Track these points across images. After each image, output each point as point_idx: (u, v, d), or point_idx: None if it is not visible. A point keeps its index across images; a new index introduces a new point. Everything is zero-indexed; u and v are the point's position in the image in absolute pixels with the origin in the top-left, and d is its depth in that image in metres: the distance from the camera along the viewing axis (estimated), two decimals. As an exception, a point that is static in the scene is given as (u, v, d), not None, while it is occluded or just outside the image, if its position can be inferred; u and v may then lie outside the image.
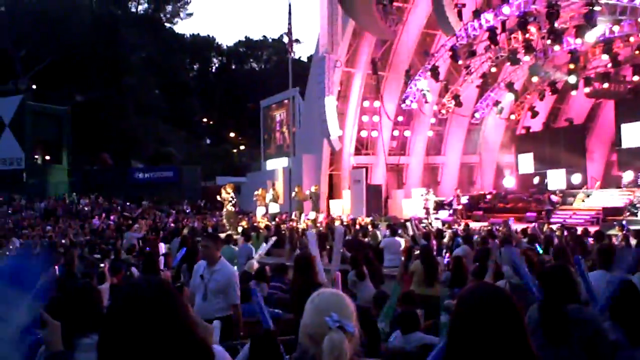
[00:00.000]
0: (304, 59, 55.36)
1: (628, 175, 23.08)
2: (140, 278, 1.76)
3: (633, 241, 11.47)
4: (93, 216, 28.62)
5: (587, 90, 24.80)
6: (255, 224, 18.83)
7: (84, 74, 42.59)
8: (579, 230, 13.83)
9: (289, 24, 29.98)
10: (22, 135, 36.57)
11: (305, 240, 12.57)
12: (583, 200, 22.83)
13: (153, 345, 1.57)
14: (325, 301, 2.06)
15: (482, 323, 1.79)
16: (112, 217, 28.45)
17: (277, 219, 21.18)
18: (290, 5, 30.16)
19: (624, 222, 14.46)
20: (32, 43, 39.70)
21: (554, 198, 22.24)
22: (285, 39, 35.21)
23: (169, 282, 1.77)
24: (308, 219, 21.20)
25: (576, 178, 25.44)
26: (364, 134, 27.92)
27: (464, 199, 25.87)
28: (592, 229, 14.88)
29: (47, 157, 39.76)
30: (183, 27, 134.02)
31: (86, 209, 31.85)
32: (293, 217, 22.77)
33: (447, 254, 11.24)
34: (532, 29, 20.52)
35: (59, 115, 39.21)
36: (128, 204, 33.88)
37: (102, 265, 9.71)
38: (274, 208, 22.44)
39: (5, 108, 36.73)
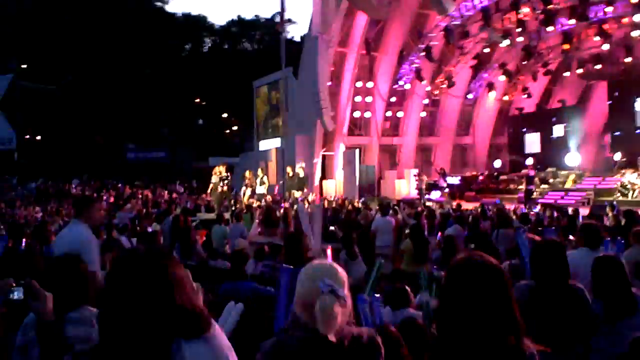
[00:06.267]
0: (297, 39, 54.97)
1: (618, 156, 23.24)
2: (141, 246, 1.79)
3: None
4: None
5: (580, 71, 24.82)
6: (250, 204, 18.80)
7: (75, 53, 42.20)
8: (570, 210, 13.92)
9: (282, 3, 29.65)
10: (13, 115, 36.26)
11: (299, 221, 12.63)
12: (574, 182, 22.94)
13: (153, 310, 1.61)
14: (317, 269, 2.13)
15: (471, 290, 1.81)
16: (104, 197, 28.38)
17: (268, 199, 21.15)
18: (283, -16, 29.80)
19: (614, 203, 14.51)
20: (21, 21, 39.23)
21: (531, 173, 22.26)
22: (278, 19, 34.91)
23: (166, 250, 1.79)
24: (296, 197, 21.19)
25: (568, 159, 25.50)
26: (357, 114, 27.86)
27: (456, 180, 25.92)
28: (583, 210, 15.03)
29: (38, 137, 39.54)
30: (174, 6, 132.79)
31: (78, 189, 31.77)
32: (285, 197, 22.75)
33: (439, 234, 11.30)
34: (526, 9, 20.49)
35: (50, 94, 38.94)
36: (120, 184, 33.80)
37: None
38: (261, 189, 22.42)
39: (-5, 87, 36.41)
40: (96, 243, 5.12)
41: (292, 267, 3.47)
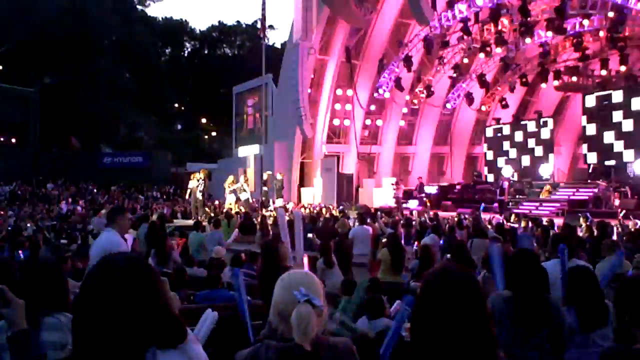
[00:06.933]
0: (278, 45, 55.06)
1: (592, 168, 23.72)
2: (117, 253, 1.77)
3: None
4: (60, 201, 28.19)
5: (557, 83, 25.21)
6: (228, 211, 18.72)
7: (53, 55, 41.64)
8: (544, 221, 14.09)
9: (263, 9, 29.78)
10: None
11: (277, 228, 12.62)
12: (549, 192, 23.24)
13: (128, 317, 1.59)
14: (294, 279, 2.13)
15: (445, 303, 1.83)
16: (80, 202, 28.06)
17: (247, 206, 21.10)
18: (264, -9, 29.89)
19: (588, 214, 14.71)
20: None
21: (504, 185, 22.60)
22: (259, 25, 34.96)
23: (144, 257, 1.77)
24: (276, 206, 21.16)
25: (543, 170, 25.86)
26: (336, 122, 27.96)
27: (433, 189, 26.11)
28: (557, 220, 15.22)
29: (13, 140, 38.95)
30: (155, 10, 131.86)
31: (54, 193, 31.35)
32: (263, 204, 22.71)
33: (416, 243, 11.38)
34: (505, 21, 20.78)
35: (26, 97, 38.38)
36: (96, 189, 33.43)
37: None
38: (245, 196, 22.42)
39: (-30, 88, 35.80)
40: (126, 248, 5.52)
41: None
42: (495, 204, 22.11)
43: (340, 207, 21.24)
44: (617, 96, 23.91)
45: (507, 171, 25.62)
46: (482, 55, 23.20)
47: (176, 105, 57.70)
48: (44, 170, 36.02)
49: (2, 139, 37.87)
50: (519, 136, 27.77)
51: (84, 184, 34.21)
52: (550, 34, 20.80)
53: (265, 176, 23.43)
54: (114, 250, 4.97)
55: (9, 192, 30.31)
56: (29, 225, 17.67)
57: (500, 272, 3.86)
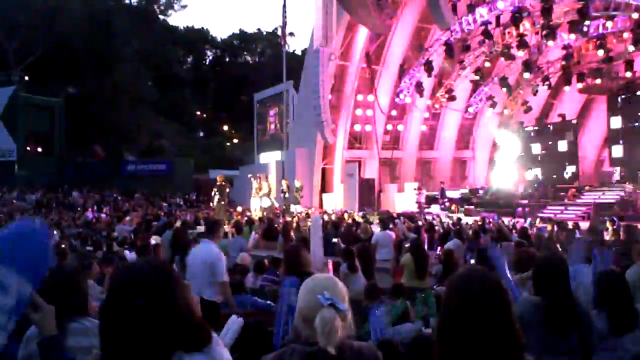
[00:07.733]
0: (298, 52, 55.24)
1: (617, 170, 23.33)
2: (141, 260, 1.81)
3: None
4: (85, 208, 28.53)
5: (580, 85, 24.88)
6: (250, 217, 18.78)
7: (76, 65, 42.26)
8: (570, 225, 13.89)
9: (284, 16, 29.87)
10: (13, 126, 36.28)
11: (299, 234, 12.63)
12: (574, 196, 22.93)
13: (154, 323, 1.61)
14: (318, 283, 2.13)
15: (471, 305, 1.82)
16: (104, 210, 28.37)
17: (269, 212, 21.18)
18: (284, -2, 30.01)
19: (614, 217, 14.46)
20: (24, 34, 39.35)
21: (520, 188, 22.35)
22: (280, 32, 35.09)
23: (168, 263, 1.80)
24: (299, 213, 21.21)
25: (569, 173, 25.52)
26: (357, 127, 27.92)
27: (456, 194, 25.92)
28: (583, 224, 15.02)
29: (39, 149, 39.55)
30: (177, 19, 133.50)
31: (79, 200, 31.74)
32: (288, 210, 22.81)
33: (439, 248, 11.29)
34: (526, 24, 20.60)
35: (51, 106, 38.98)
36: (120, 197, 33.78)
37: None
38: (267, 202, 22.52)
39: (-3, 99, 36.43)
40: (224, 258, 5.92)
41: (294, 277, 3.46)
42: (519, 209, 21.87)
43: (362, 213, 21.22)
44: (643, 98, 23.54)
45: (531, 175, 25.37)
46: (503, 58, 23.02)
47: (198, 112, 58.18)
48: (69, 179, 36.51)
49: (28, 149, 38.48)
50: (542, 139, 27.45)
51: (108, 192, 34.61)
52: (573, 36, 20.56)
53: (284, 184, 23.53)
54: (215, 261, 5.61)
55: (36, 200, 30.78)
56: (55, 232, 17.89)
57: (505, 274, 3.84)
